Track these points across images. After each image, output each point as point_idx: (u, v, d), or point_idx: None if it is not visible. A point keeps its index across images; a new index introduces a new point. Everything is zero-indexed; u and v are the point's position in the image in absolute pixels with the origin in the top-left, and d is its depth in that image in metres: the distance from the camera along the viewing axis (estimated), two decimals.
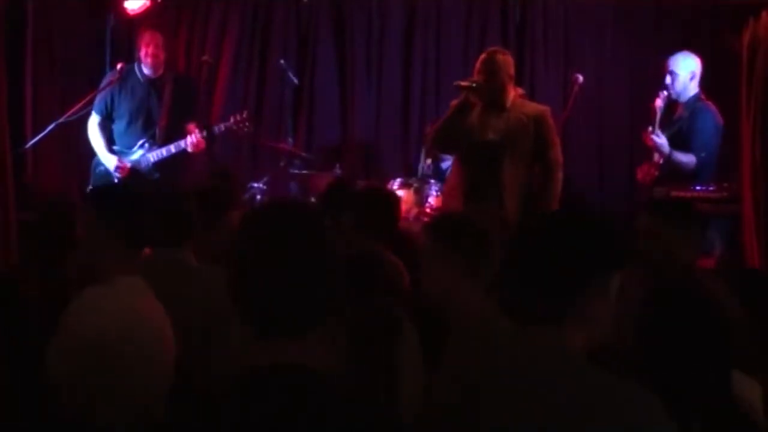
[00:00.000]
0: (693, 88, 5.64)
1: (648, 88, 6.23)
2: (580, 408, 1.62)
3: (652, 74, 6.03)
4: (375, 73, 7.12)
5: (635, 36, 6.79)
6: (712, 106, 5.64)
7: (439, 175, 6.40)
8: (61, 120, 5.72)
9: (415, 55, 7.08)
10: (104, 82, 5.89)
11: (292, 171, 6.29)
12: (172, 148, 5.72)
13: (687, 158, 5.49)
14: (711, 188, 5.58)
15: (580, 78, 5.83)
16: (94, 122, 5.85)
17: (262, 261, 1.59)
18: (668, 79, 5.65)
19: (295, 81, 6.74)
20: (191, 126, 5.85)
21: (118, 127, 5.86)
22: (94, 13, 6.53)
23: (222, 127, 5.84)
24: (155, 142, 5.79)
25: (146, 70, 5.85)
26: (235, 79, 7.01)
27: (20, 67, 6.21)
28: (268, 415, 1.51)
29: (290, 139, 6.59)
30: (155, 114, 5.84)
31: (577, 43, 6.94)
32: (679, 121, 5.62)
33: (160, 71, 5.89)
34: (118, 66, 5.80)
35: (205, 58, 6.59)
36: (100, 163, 5.86)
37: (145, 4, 6.46)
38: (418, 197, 6.03)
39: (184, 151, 5.72)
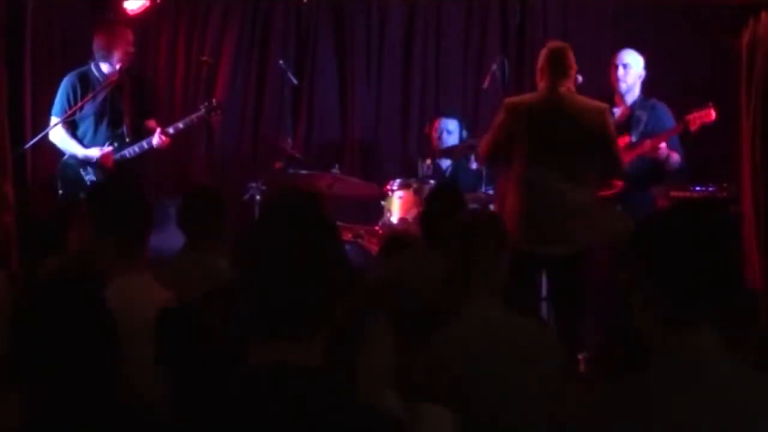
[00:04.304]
0: (638, 88, 5.57)
1: (647, 88, 6.22)
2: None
3: (651, 75, 6.02)
4: (375, 74, 7.12)
5: (635, 36, 6.78)
6: (664, 103, 5.59)
7: (439, 175, 6.40)
8: (60, 120, 5.71)
9: (414, 55, 7.08)
10: (99, 85, 5.82)
11: (290, 171, 6.28)
12: (145, 144, 5.72)
13: (676, 156, 5.42)
14: (711, 188, 5.57)
15: (580, 78, 5.81)
16: (59, 127, 5.73)
17: (276, 261, 1.60)
18: (620, 71, 5.55)
19: (295, 81, 6.74)
20: (152, 122, 5.85)
21: (84, 128, 5.79)
22: (93, 14, 6.53)
23: (180, 125, 5.80)
24: (124, 141, 5.77)
25: (107, 70, 5.79)
26: (235, 79, 7.01)
27: (20, 67, 6.21)
28: (270, 415, 1.52)
29: (289, 140, 6.59)
30: (119, 113, 5.80)
31: (577, 44, 6.92)
32: (640, 122, 5.50)
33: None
34: (117, 66, 5.78)
35: (205, 58, 6.58)
36: (68, 166, 5.79)
37: (144, 4, 6.46)
38: (417, 198, 6.02)
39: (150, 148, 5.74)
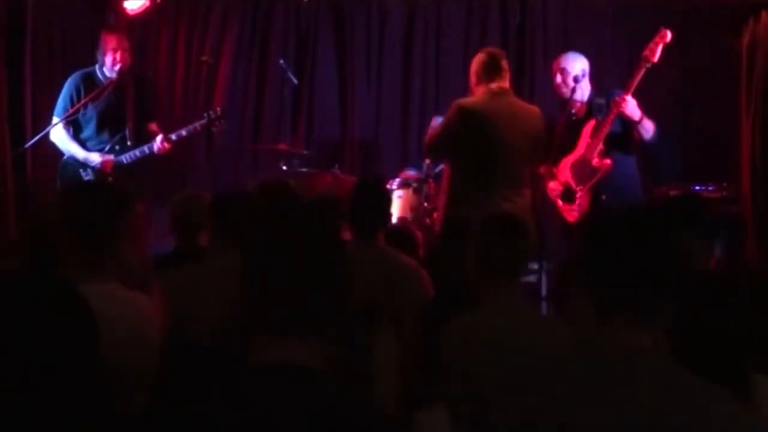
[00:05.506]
0: (587, 85, 5.49)
1: (648, 88, 6.22)
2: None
3: (651, 74, 6.02)
4: (375, 73, 7.13)
5: (635, 36, 6.78)
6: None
7: (438, 174, 6.40)
8: (60, 120, 5.71)
9: (414, 54, 7.09)
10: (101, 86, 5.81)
11: (291, 171, 6.29)
12: (146, 149, 5.69)
13: (649, 124, 5.33)
14: (711, 188, 5.57)
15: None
16: (59, 127, 5.72)
17: (275, 262, 1.60)
18: (558, 79, 5.42)
19: (295, 81, 6.74)
20: (153, 126, 5.84)
21: (87, 130, 5.78)
22: (93, 14, 6.53)
23: (183, 132, 5.77)
24: (126, 144, 5.75)
25: (110, 74, 5.77)
26: (235, 79, 7.01)
27: (20, 67, 6.22)
28: (269, 415, 1.52)
29: (289, 139, 6.59)
30: (122, 116, 5.78)
31: (577, 44, 6.93)
32: (601, 106, 5.39)
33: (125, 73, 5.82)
34: (117, 67, 5.77)
35: (205, 58, 6.59)
36: (68, 166, 5.77)
37: (144, 4, 6.46)
38: (417, 197, 6.03)
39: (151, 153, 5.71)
